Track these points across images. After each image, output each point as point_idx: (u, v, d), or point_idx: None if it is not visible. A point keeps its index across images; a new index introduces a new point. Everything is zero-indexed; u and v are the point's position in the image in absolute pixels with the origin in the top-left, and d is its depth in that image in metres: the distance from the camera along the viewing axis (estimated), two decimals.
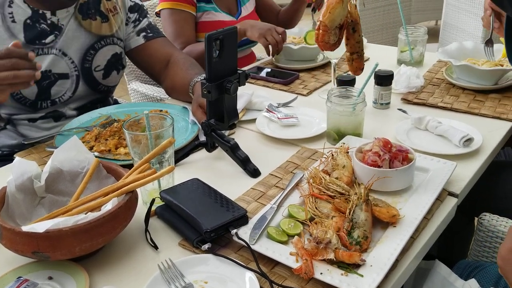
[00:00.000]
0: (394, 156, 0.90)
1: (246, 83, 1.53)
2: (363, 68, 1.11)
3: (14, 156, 1.13)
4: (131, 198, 0.80)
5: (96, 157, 1.07)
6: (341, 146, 1.01)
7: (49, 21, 1.25)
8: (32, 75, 0.98)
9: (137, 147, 0.89)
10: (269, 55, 1.65)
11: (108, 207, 0.77)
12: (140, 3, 1.48)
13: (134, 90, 1.92)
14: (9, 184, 0.82)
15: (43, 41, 1.25)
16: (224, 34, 0.97)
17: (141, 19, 1.46)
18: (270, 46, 1.59)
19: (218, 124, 1.04)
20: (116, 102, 1.65)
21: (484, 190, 1.17)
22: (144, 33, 1.45)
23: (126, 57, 1.47)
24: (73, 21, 1.30)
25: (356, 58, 0.81)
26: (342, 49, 1.35)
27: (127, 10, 1.43)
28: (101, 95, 1.41)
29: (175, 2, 1.72)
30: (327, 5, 0.78)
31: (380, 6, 3.55)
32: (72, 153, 0.89)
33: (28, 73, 0.98)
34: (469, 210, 1.23)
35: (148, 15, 1.49)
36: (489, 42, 1.39)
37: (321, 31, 0.78)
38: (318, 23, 0.79)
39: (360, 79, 1.27)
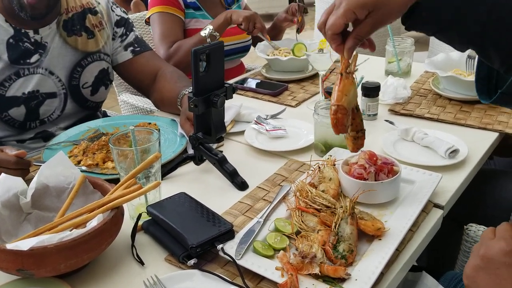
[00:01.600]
0: (380, 169, 0.91)
1: (235, 95, 1.55)
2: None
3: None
4: (117, 214, 0.79)
5: (83, 171, 1.08)
6: (328, 158, 1.02)
7: (32, 40, 1.25)
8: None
9: (123, 162, 0.89)
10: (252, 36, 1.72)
11: (93, 223, 0.77)
12: (126, 16, 1.48)
13: (124, 102, 1.92)
14: None
15: (28, 60, 1.24)
16: (211, 49, 0.98)
17: (128, 33, 1.46)
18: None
19: (206, 137, 1.04)
20: (105, 114, 1.65)
21: (472, 198, 1.18)
22: (131, 48, 1.45)
23: (113, 71, 1.47)
24: (58, 38, 1.29)
25: (362, 135, 0.81)
26: (329, 61, 1.37)
27: (113, 25, 1.43)
28: (89, 112, 1.41)
29: (165, 6, 1.74)
30: (340, 88, 0.77)
31: None
32: (58, 168, 0.89)
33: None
34: (458, 219, 1.23)
35: (135, 29, 1.50)
36: (471, 55, 1.41)
37: (339, 114, 0.77)
38: (333, 107, 0.77)
39: None
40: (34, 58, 1.25)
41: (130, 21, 1.49)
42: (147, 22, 1.79)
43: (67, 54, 1.31)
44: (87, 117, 1.41)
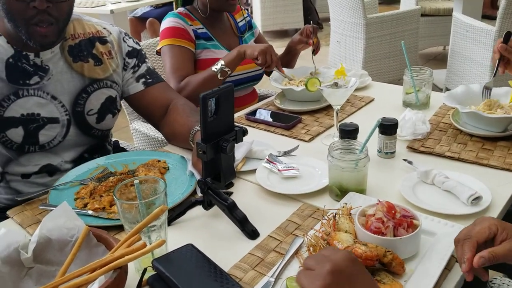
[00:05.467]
0: (399, 223, 0.86)
1: (247, 127, 1.52)
2: None
3: (7, 213, 1.10)
4: (120, 275, 0.76)
5: (90, 215, 1.05)
6: (343, 206, 0.97)
7: (31, 62, 1.23)
8: None
9: (128, 213, 0.86)
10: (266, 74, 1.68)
11: (95, 286, 0.73)
12: (139, 47, 1.46)
13: (136, 130, 1.90)
14: None
15: (27, 81, 1.22)
16: (220, 93, 0.94)
17: (140, 64, 1.43)
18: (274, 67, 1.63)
19: (215, 183, 1.00)
20: (116, 144, 1.62)
21: None
22: (143, 79, 1.42)
23: (121, 100, 1.44)
24: (63, 63, 1.27)
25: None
26: (344, 97, 1.33)
27: (124, 55, 1.40)
28: (95, 141, 1.38)
29: (175, 39, 1.71)
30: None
31: (386, 34, 3.54)
32: (61, 220, 0.86)
33: None
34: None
35: (147, 60, 1.47)
36: (488, 86, 1.36)
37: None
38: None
39: (363, 129, 1.23)
40: (34, 80, 1.23)
41: (143, 52, 1.47)
42: (158, 53, 1.77)
43: (72, 80, 1.28)
44: (94, 148, 1.38)
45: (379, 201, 0.91)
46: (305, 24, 6.33)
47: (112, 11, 3.61)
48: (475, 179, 1.09)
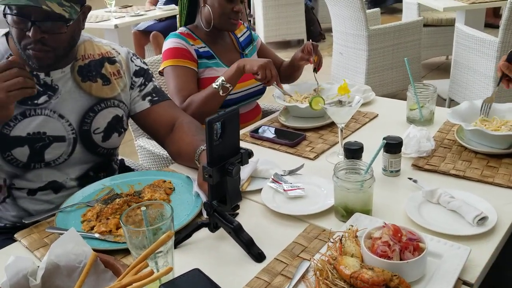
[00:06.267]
0: (405, 246, 0.86)
1: (251, 144, 1.52)
2: None
3: (15, 236, 1.11)
4: None
5: (97, 238, 1.06)
6: (349, 229, 0.97)
7: (42, 81, 1.25)
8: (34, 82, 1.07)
9: (135, 239, 0.86)
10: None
11: None
12: (146, 67, 1.48)
13: (141, 147, 1.91)
14: (3, 286, 0.80)
15: (36, 101, 1.24)
16: (225, 117, 0.95)
17: (146, 83, 1.45)
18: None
19: (221, 205, 1.01)
20: (122, 163, 1.63)
21: (499, 267, 1.11)
22: (149, 97, 1.44)
23: (128, 119, 1.46)
24: (72, 83, 1.30)
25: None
26: (349, 115, 1.34)
27: (131, 74, 1.43)
28: (101, 159, 1.39)
29: (178, 59, 1.73)
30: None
31: (389, 46, 3.55)
32: (69, 246, 0.87)
33: (32, 83, 1.06)
34: None
35: (154, 79, 1.49)
36: (488, 100, 1.36)
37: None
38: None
39: (368, 146, 1.24)
40: (42, 99, 1.25)
41: (150, 72, 1.49)
42: (161, 73, 1.78)
43: (80, 99, 1.30)
44: (100, 166, 1.39)
45: (385, 223, 0.91)
46: (307, 35, 6.33)
47: (116, 26, 3.65)
48: (480, 198, 1.09)
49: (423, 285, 0.85)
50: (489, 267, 0.95)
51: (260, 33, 5.95)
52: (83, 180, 1.34)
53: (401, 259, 0.85)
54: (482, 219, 1.01)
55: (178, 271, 0.89)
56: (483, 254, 0.94)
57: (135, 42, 4.40)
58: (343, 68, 3.77)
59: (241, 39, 1.94)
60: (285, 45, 6.17)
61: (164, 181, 1.26)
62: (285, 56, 1.95)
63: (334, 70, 3.90)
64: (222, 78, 1.61)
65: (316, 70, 1.79)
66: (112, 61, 1.39)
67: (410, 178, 1.21)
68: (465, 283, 0.88)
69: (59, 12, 1.11)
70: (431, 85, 1.54)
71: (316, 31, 6.17)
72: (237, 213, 1.14)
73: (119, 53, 1.42)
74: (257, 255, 0.98)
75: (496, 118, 1.39)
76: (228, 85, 1.60)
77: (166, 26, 4.29)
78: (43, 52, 1.17)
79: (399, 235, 0.87)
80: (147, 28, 4.40)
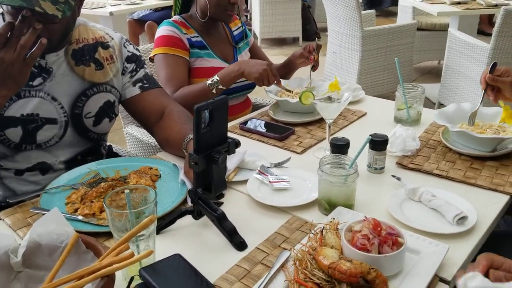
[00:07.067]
0: (384, 240, 0.87)
1: (240, 136, 1.53)
2: None
3: None
4: (107, 283, 0.76)
5: (80, 221, 1.06)
6: (331, 221, 0.98)
7: (37, 63, 1.25)
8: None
9: (118, 222, 0.87)
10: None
11: None
12: (138, 53, 1.48)
13: (130, 135, 1.90)
14: None
15: (31, 83, 1.24)
16: (214, 105, 0.96)
17: (138, 69, 1.45)
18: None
19: (205, 193, 1.02)
20: (110, 149, 1.63)
21: None
22: (140, 84, 1.44)
23: (119, 105, 1.46)
24: (65, 66, 1.30)
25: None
26: (337, 111, 1.35)
27: (123, 60, 1.43)
28: (91, 144, 1.39)
29: (169, 47, 1.72)
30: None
31: (382, 47, 3.57)
32: (51, 226, 0.87)
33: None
34: None
35: (146, 66, 1.49)
36: (472, 115, 1.38)
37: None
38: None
39: (355, 144, 1.25)
40: (37, 81, 1.25)
41: (142, 58, 1.49)
42: (151, 59, 1.78)
43: (72, 82, 1.30)
44: (88, 150, 1.40)
45: (366, 217, 0.92)
46: (303, 33, 6.34)
47: (111, 13, 3.63)
48: (462, 198, 1.11)
49: (400, 279, 0.87)
50: (466, 266, 0.97)
51: (257, 29, 5.96)
52: (71, 163, 1.34)
53: (379, 253, 0.87)
54: (462, 219, 1.02)
55: (160, 256, 0.89)
56: (461, 253, 0.96)
57: (130, 30, 4.38)
58: (336, 68, 3.79)
59: (235, 32, 1.94)
60: (281, 42, 6.18)
61: (151, 168, 1.27)
62: (280, 53, 1.95)
63: (328, 69, 3.92)
64: (217, 78, 1.61)
65: (313, 68, 1.80)
66: (105, 46, 1.39)
67: (393, 176, 1.23)
68: (441, 280, 0.89)
69: (52, 12, 1.10)
70: (420, 86, 1.56)
71: (312, 29, 6.18)
72: (222, 202, 1.14)
73: (113, 38, 1.42)
74: (239, 244, 0.99)
75: (479, 123, 1.41)
76: (221, 87, 1.61)
77: (161, 16, 4.27)
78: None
79: (379, 229, 0.88)
80: (142, 17, 4.38)
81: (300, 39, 6.02)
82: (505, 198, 1.15)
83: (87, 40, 1.36)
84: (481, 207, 1.09)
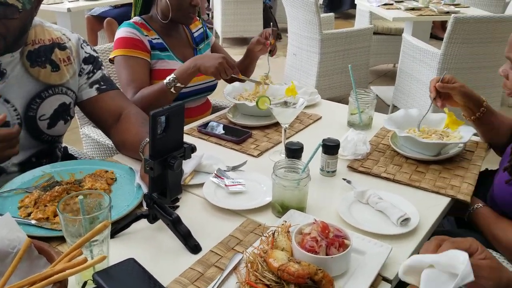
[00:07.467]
0: (331, 242, 0.92)
1: (198, 139, 1.55)
2: None
3: None
4: None
5: (33, 225, 1.05)
6: (282, 224, 1.02)
7: None
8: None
9: (71, 227, 0.87)
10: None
11: None
12: (95, 54, 1.47)
13: (86, 136, 1.88)
14: None
15: None
16: (170, 111, 0.97)
17: (95, 71, 1.44)
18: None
19: (161, 198, 1.03)
20: (66, 150, 1.61)
21: None
22: (97, 85, 1.43)
23: (75, 107, 1.44)
24: (20, 67, 1.27)
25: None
26: (292, 116, 1.39)
27: (81, 61, 1.41)
28: (45, 146, 1.38)
29: (130, 49, 1.71)
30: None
31: (340, 50, 3.66)
32: (3, 231, 0.86)
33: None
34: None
35: (103, 67, 1.48)
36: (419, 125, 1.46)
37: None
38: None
39: (309, 147, 1.30)
40: None
41: (100, 59, 1.48)
42: (111, 61, 1.77)
43: (27, 84, 1.28)
44: (43, 152, 1.38)
45: (315, 220, 0.97)
46: None
47: (69, 9, 3.55)
48: (406, 200, 1.17)
49: (345, 279, 0.92)
50: None
51: (218, 28, 5.96)
52: (25, 166, 1.32)
53: (327, 254, 0.91)
54: (405, 220, 1.09)
55: (114, 261, 0.90)
56: (403, 253, 1.02)
57: (88, 27, 4.29)
58: (296, 69, 3.85)
59: (196, 34, 1.95)
60: (242, 41, 6.20)
61: (106, 171, 1.27)
62: (242, 52, 1.97)
63: (288, 71, 3.98)
64: (174, 76, 1.61)
65: (271, 53, 1.83)
66: (62, 47, 1.37)
67: (344, 179, 1.28)
68: (384, 279, 0.95)
69: (12, 2, 1.09)
70: (372, 92, 1.62)
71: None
72: (178, 206, 1.16)
73: (70, 39, 1.41)
74: (193, 247, 1.01)
75: (425, 128, 1.49)
76: (179, 85, 1.62)
77: (121, 13, 4.22)
78: None
79: (327, 231, 0.93)
80: (101, 13, 4.30)
81: None
82: (446, 200, 1.22)
83: (44, 41, 1.34)
84: (424, 209, 1.16)
